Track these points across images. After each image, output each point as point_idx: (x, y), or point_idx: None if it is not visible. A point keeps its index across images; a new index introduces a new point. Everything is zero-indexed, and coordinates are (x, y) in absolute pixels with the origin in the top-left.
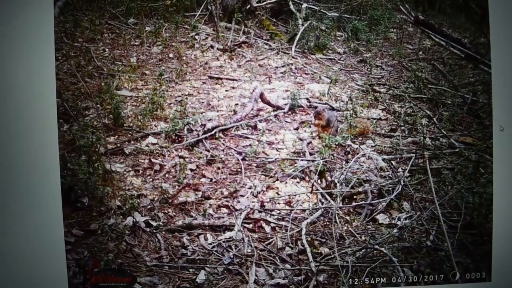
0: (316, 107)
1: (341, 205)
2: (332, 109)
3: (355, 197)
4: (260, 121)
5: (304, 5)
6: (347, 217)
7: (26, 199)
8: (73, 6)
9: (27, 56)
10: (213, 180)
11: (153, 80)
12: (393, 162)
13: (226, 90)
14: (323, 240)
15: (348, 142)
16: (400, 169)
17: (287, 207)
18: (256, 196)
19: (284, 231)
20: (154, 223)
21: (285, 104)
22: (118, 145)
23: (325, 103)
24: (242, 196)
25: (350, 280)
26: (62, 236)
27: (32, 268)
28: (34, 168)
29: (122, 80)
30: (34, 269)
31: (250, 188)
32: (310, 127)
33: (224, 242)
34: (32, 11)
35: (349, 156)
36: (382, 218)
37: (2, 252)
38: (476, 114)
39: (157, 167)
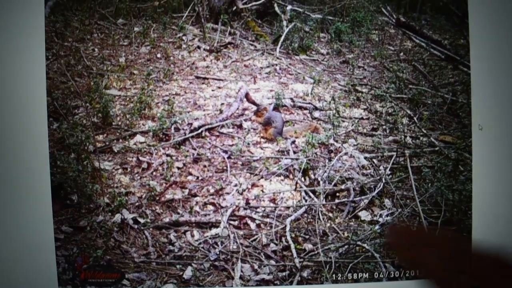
0: (259, 105)
1: (324, 202)
2: (277, 110)
3: (338, 194)
4: (246, 120)
5: (289, 7)
6: (330, 214)
7: (16, 196)
8: (64, 6)
9: (18, 55)
10: (200, 178)
11: (141, 79)
12: (374, 160)
13: (213, 90)
14: (307, 236)
15: (331, 140)
16: (381, 167)
17: (271, 204)
18: (241, 194)
19: (268, 228)
20: (141, 220)
21: (269, 104)
22: (107, 143)
23: (309, 103)
24: (227, 193)
25: (334, 275)
26: (51, 232)
27: (21, 265)
28: (24, 166)
29: (111, 80)
30: (24, 265)
31: (235, 185)
32: (293, 125)
33: (210, 238)
34: (23, 11)
35: (332, 154)
36: (364, 215)
37: None
38: (456, 114)
39: (144, 165)
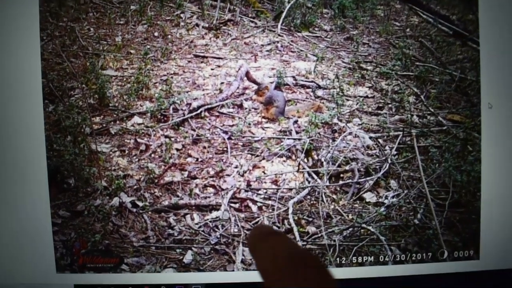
0: (260, 84)
1: (327, 183)
2: (279, 89)
3: (342, 175)
4: (246, 99)
5: None
6: (334, 196)
7: (12, 181)
8: None
9: (11, 37)
10: (199, 160)
11: (138, 59)
12: (380, 140)
13: (212, 69)
14: (310, 219)
15: (335, 120)
16: (387, 147)
17: (273, 186)
18: (242, 176)
19: (270, 210)
20: (140, 204)
21: (271, 82)
22: (104, 125)
23: (312, 81)
24: (228, 175)
25: (338, 259)
26: (49, 217)
27: (19, 250)
28: (19, 150)
29: (107, 60)
30: (21, 251)
31: (236, 167)
32: (296, 104)
33: (210, 222)
34: None
35: (336, 134)
36: (369, 196)
37: None
38: (464, 92)
39: (142, 147)
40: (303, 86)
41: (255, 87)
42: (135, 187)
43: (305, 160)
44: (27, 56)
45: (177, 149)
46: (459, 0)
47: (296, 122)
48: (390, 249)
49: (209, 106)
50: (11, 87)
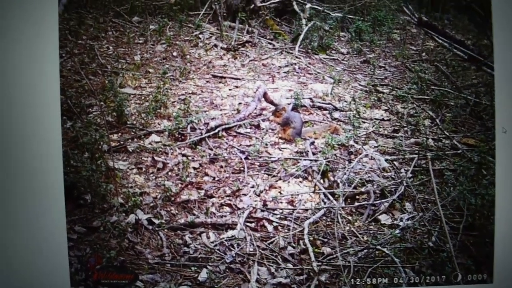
0: (277, 105)
1: (343, 205)
2: (296, 110)
3: (357, 197)
4: (264, 120)
5: (308, 5)
6: (349, 217)
7: (29, 196)
8: (78, 4)
9: (31, 53)
10: (216, 179)
11: (156, 78)
12: (395, 162)
13: (230, 89)
14: (325, 240)
15: (351, 142)
16: (402, 170)
17: (289, 207)
18: (258, 195)
19: (286, 231)
20: (156, 221)
21: (288, 104)
22: (121, 142)
23: (328, 103)
24: (244, 195)
25: (352, 280)
26: (64, 233)
27: (34, 265)
28: (37, 165)
29: (126, 78)
30: (36, 265)
31: (252, 187)
32: (313, 126)
33: (226, 240)
34: (37, 8)
35: (352, 156)
36: (384, 218)
37: (4, 248)
38: (479, 116)
39: (160, 165)
40: (320, 108)
41: (273, 108)
42: (152, 204)
43: (321, 181)
44: (45, 73)
45: (194, 168)
46: (474, 25)
47: (312, 143)
48: (404, 271)
49: (227, 126)
50: (30, 103)
